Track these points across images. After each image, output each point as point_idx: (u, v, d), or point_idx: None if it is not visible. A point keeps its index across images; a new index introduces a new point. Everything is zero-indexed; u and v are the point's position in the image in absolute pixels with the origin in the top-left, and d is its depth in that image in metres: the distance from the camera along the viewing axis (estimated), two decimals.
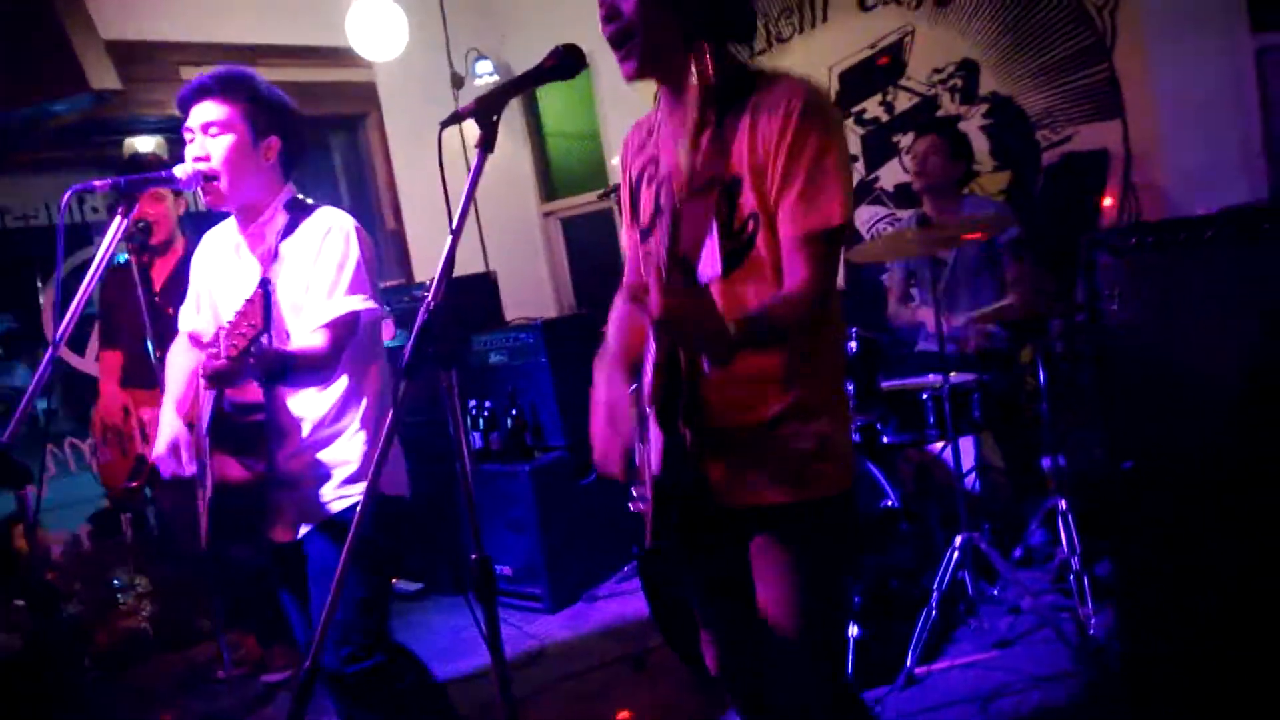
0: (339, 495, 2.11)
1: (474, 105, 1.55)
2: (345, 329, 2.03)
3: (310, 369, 2.01)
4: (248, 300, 1.78)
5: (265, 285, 1.78)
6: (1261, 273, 2.39)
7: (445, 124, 1.56)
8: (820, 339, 1.63)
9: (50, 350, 1.81)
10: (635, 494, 1.69)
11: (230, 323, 1.78)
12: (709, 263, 1.62)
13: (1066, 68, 3.65)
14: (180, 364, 2.31)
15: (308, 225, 2.08)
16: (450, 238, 1.51)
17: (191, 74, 4.15)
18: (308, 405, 2.11)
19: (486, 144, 1.56)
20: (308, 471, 2.11)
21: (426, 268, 4.92)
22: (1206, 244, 2.45)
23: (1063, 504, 3.00)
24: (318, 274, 2.05)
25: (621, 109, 4.88)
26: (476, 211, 5.14)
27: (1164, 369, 2.50)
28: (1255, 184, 3.28)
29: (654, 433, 1.60)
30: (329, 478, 2.11)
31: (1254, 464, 2.40)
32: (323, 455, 2.12)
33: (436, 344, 1.49)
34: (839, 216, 1.50)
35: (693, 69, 1.28)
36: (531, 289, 5.41)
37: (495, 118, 1.56)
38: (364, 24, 3.93)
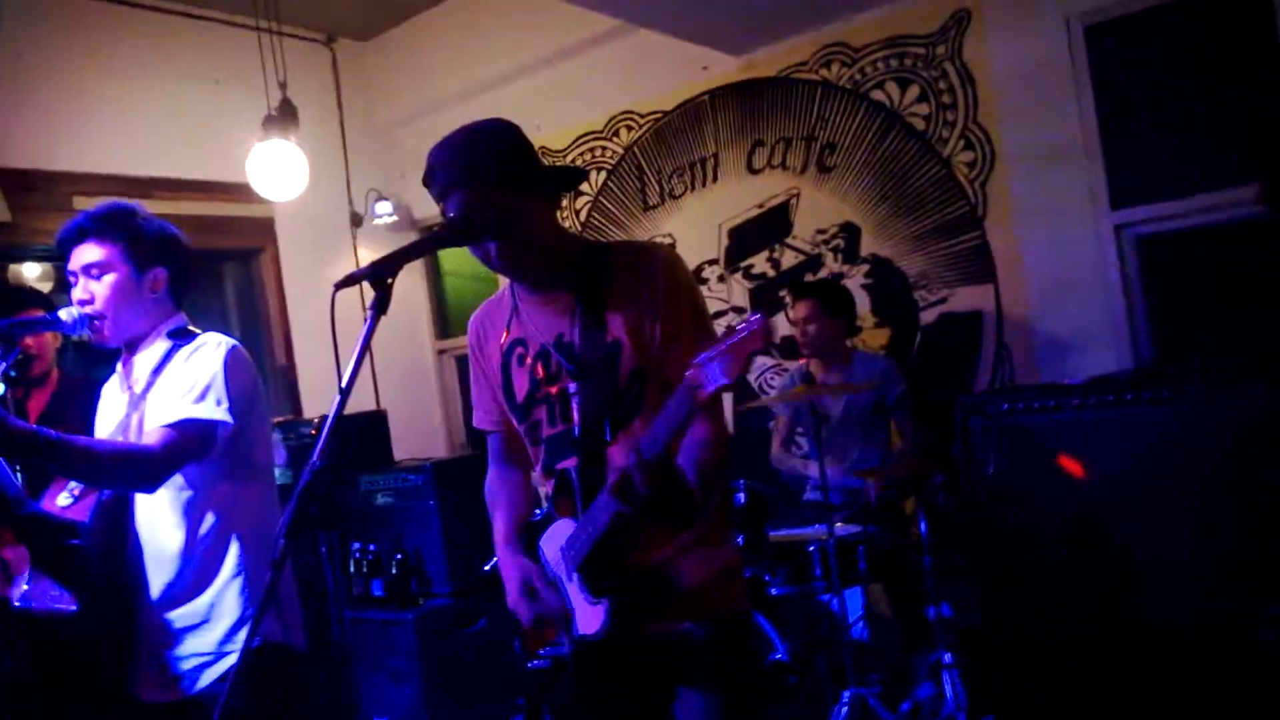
0: (224, 653, 1.96)
1: (369, 268, 1.55)
2: (188, 435, 1.88)
3: (124, 464, 1.87)
4: None
5: None
6: (1124, 439, 2.57)
7: (340, 286, 1.55)
8: None
9: None
10: (543, 651, 1.74)
11: None
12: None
13: (941, 233, 3.91)
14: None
15: (185, 349, 2.03)
16: (339, 396, 1.50)
17: (85, 204, 4.14)
18: (164, 545, 1.98)
19: (380, 305, 1.57)
20: (166, 630, 1.97)
21: (316, 404, 4.82)
22: (1074, 410, 2.63)
23: (947, 657, 3.04)
24: (174, 381, 1.95)
25: None
26: (370, 350, 5.10)
27: (1031, 527, 2.63)
28: (1121, 353, 3.51)
29: (578, 596, 1.65)
30: (203, 635, 1.97)
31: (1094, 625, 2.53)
32: (182, 610, 1.98)
33: (319, 505, 1.45)
34: None
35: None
36: (422, 426, 5.34)
37: (390, 280, 1.58)
38: (264, 164, 3.94)
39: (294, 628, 2.09)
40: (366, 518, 3.90)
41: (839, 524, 3.08)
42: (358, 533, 3.86)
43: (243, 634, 1.96)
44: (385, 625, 3.65)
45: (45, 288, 4.46)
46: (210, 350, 2.00)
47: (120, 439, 2.01)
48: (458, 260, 5.46)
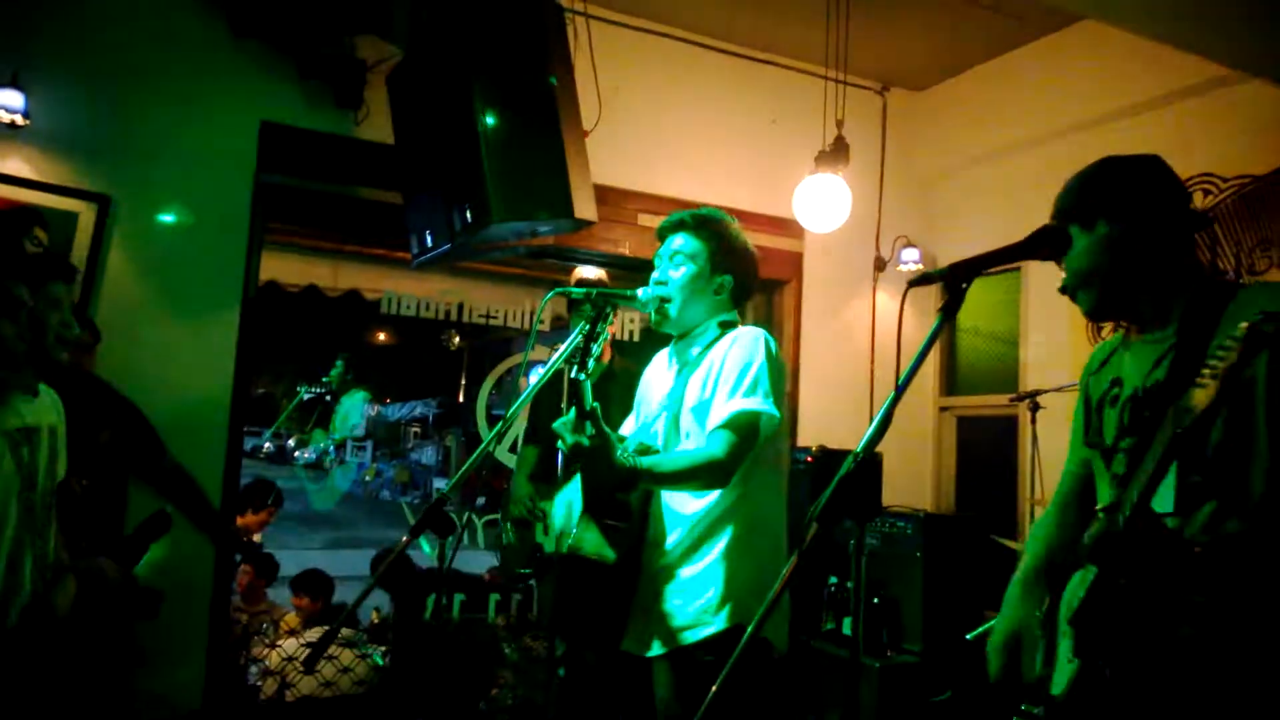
0: (696, 621, 2.05)
1: (946, 270, 1.52)
2: (744, 432, 2.02)
3: (704, 476, 2.01)
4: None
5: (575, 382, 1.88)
6: None
7: (913, 284, 1.53)
8: None
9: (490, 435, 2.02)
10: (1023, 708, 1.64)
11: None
12: None
13: None
14: None
15: (727, 337, 2.17)
16: (894, 393, 1.47)
17: (648, 220, 4.68)
18: (681, 508, 2.11)
19: (949, 309, 1.52)
20: (667, 583, 2.09)
21: (811, 435, 4.92)
22: None
23: None
24: (722, 375, 2.09)
25: (1045, 316, 4.64)
26: (872, 391, 5.10)
27: None
28: None
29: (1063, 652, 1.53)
30: (687, 597, 2.06)
31: None
32: (685, 569, 2.09)
33: (859, 496, 1.43)
34: None
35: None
36: (910, 479, 5.19)
37: (965, 285, 1.52)
38: (811, 196, 4.13)
39: (781, 625, 2.11)
40: (848, 555, 3.86)
41: None
42: (833, 566, 3.84)
43: (723, 610, 2.02)
44: (844, 670, 3.57)
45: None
46: (753, 339, 2.13)
47: (662, 415, 2.21)
48: (978, 315, 5.24)
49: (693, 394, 2.13)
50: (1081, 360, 1.85)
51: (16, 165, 3.54)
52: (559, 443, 1.95)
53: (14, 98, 3.41)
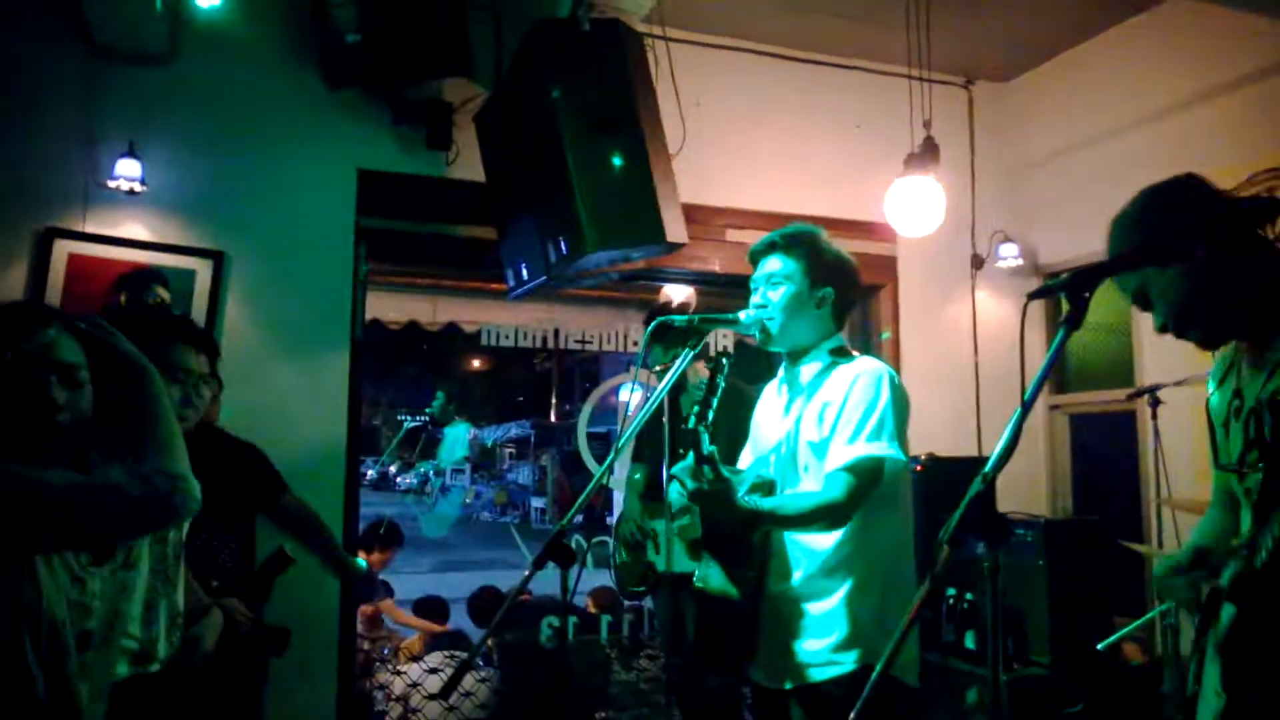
0: (827, 660, 2.04)
1: (1067, 278, 1.48)
2: (865, 475, 2.00)
3: (823, 518, 2.01)
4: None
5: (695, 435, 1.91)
6: None
7: (1033, 296, 1.50)
8: None
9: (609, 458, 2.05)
10: None
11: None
12: None
13: None
14: None
15: (844, 368, 2.14)
16: (1020, 409, 1.44)
17: (736, 236, 4.67)
18: (807, 544, 2.10)
19: (1073, 320, 1.47)
20: (797, 618, 2.08)
21: (917, 443, 4.80)
22: None
23: None
24: (843, 415, 2.07)
25: None
26: (978, 394, 4.98)
27: None
28: None
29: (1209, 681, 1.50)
30: (815, 635, 2.06)
31: None
32: (813, 604, 2.08)
33: (990, 517, 1.40)
34: None
35: None
36: (1023, 484, 5.03)
37: (1087, 295, 1.47)
38: (902, 199, 4.06)
39: (910, 660, 2.07)
40: (965, 565, 3.77)
41: None
42: (954, 578, 3.75)
43: (854, 648, 2.00)
44: (973, 680, 3.48)
45: (687, 308, 5.11)
46: (876, 379, 2.09)
47: (778, 449, 2.20)
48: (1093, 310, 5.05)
49: (809, 429, 2.12)
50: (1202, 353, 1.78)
51: (137, 229, 3.75)
52: (676, 486, 1.97)
53: (132, 166, 3.62)
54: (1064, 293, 1.49)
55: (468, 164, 4.07)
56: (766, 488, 2.13)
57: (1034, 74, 5.18)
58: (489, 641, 5.31)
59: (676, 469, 1.98)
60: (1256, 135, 4.09)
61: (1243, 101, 4.10)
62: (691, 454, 1.91)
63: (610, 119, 3.12)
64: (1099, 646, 3.14)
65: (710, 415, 1.93)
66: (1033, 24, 4.69)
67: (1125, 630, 3.23)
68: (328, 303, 4.00)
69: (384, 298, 5.55)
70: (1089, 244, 1.50)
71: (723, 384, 1.99)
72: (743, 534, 2.10)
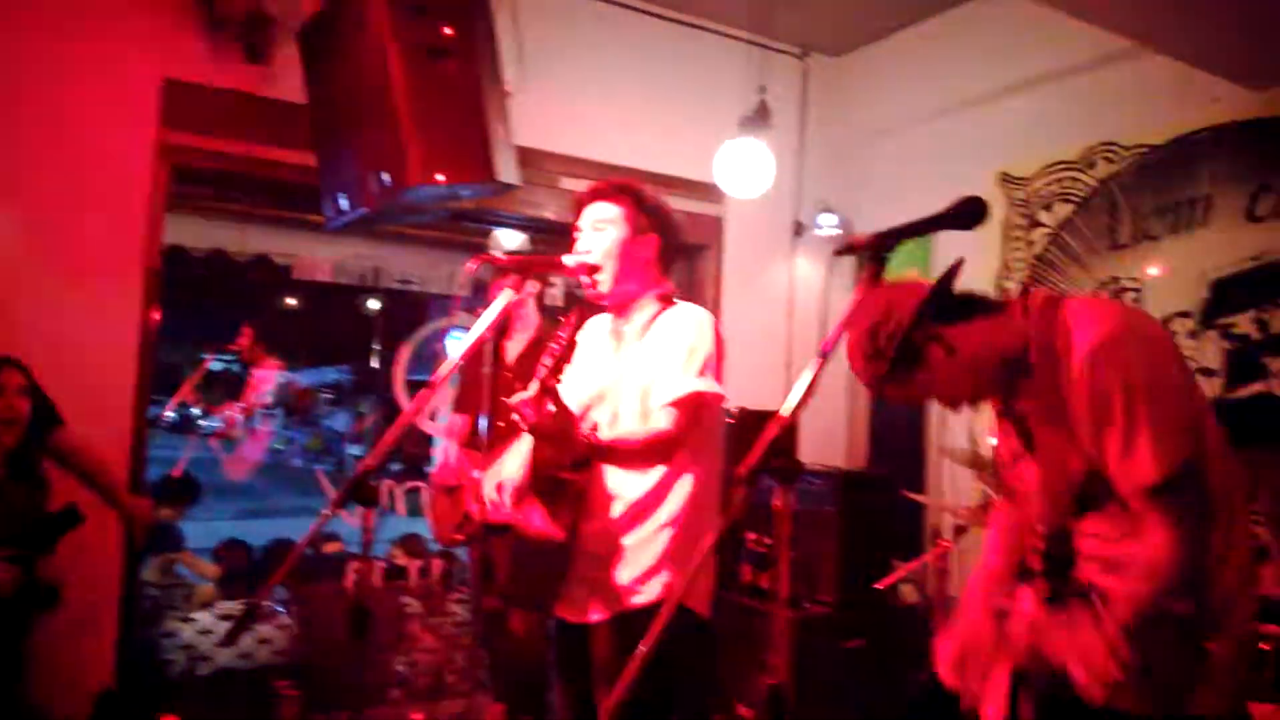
0: (632, 590, 2.11)
1: (871, 239, 1.57)
2: (690, 409, 2.11)
3: (655, 450, 2.09)
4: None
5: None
6: None
7: (838, 253, 1.60)
8: None
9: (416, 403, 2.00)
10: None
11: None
12: None
13: None
14: None
15: (670, 314, 2.21)
16: (818, 359, 1.52)
17: (570, 184, 4.63)
18: (624, 482, 2.16)
19: (875, 278, 1.57)
20: (610, 553, 2.14)
21: (732, 397, 4.97)
22: None
23: None
24: (670, 350, 2.14)
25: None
26: (790, 354, 5.20)
27: None
28: None
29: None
30: (625, 567, 2.12)
31: None
32: (628, 539, 2.14)
33: (783, 458, 1.47)
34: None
35: None
36: (823, 438, 5.31)
37: (887, 255, 1.57)
38: (733, 160, 4.16)
39: (704, 593, 2.17)
40: (765, 512, 3.96)
41: None
42: (754, 525, 3.93)
43: (660, 577, 2.08)
44: (765, 618, 3.68)
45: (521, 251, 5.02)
46: (699, 322, 2.19)
47: (608, 391, 2.23)
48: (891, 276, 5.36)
49: (640, 371, 2.17)
50: None
51: None
52: (516, 416, 1.97)
53: None
54: (867, 251, 1.58)
55: (289, 83, 3.83)
56: (593, 427, 2.17)
57: (864, 52, 5.38)
58: (289, 589, 5.15)
59: (517, 399, 1.98)
60: (1053, 131, 4.45)
61: (1044, 96, 4.44)
62: (534, 386, 1.93)
63: (442, 47, 3.01)
64: (877, 586, 3.39)
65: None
66: (868, 2, 4.87)
67: (901, 573, 3.51)
68: (119, 223, 3.69)
69: (189, 223, 5.19)
70: (904, 218, 1.58)
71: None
72: (576, 470, 2.13)
